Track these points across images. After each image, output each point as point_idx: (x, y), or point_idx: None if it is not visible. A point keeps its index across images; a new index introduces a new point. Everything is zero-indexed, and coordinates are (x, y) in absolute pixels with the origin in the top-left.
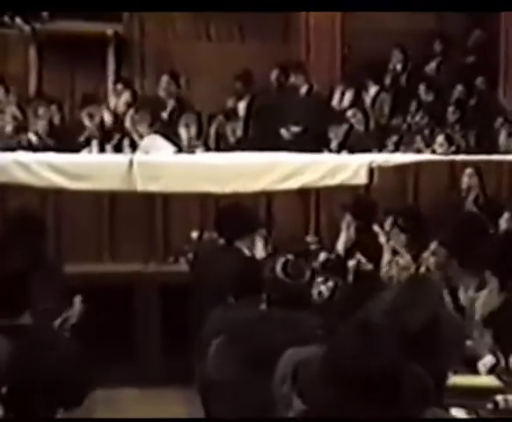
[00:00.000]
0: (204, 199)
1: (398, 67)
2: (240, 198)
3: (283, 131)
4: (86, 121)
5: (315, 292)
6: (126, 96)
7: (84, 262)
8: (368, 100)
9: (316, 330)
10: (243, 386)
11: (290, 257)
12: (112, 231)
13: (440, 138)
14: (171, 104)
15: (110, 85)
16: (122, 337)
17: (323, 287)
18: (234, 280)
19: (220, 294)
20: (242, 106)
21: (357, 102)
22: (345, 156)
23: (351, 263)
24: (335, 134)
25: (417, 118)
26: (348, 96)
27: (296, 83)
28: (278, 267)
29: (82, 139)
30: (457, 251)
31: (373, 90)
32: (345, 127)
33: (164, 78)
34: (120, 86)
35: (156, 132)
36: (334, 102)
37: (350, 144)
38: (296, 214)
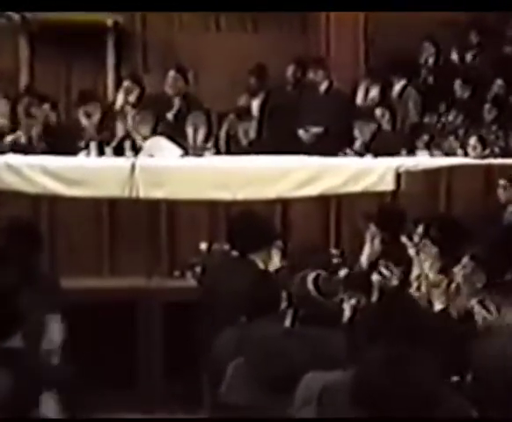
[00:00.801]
0: (214, 207)
1: (430, 61)
2: (254, 206)
3: (301, 132)
4: (83, 121)
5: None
6: (136, 93)
7: (82, 276)
8: (394, 97)
9: (343, 352)
10: (262, 409)
11: (322, 272)
12: (112, 242)
13: (472, 140)
14: (177, 102)
15: (110, 81)
16: (122, 358)
17: (345, 305)
18: (248, 296)
19: (232, 313)
20: (255, 105)
21: (383, 99)
22: (369, 160)
23: (375, 278)
24: (361, 132)
25: (450, 116)
26: (374, 93)
27: (316, 79)
28: (309, 282)
29: (79, 140)
30: (490, 267)
31: (399, 85)
32: (372, 126)
33: (171, 73)
34: (128, 83)
35: (160, 133)
36: (358, 100)
37: (376, 146)
38: (314, 223)
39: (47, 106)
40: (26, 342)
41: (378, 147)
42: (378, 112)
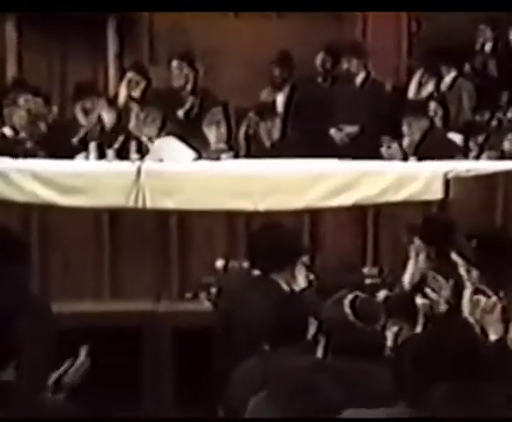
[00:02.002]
0: (232, 219)
1: (487, 47)
2: (278, 217)
3: (333, 131)
4: (81, 118)
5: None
6: (141, 87)
7: (79, 300)
8: (444, 90)
9: (387, 387)
10: None
11: (361, 294)
12: (113, 260)
13: None
14: (188, 97)
15: (111, 72)
16: (127, 392)
17: (387, 333)
18: (272, 322)
19: (253, 340)
20: (280, 100)
21: (432, 93)
22: (413, 164)
23: (421, 302)
24: (410, 129)
25: (510, 113)
26: (414, 85)
27: (350, 69)
28: (346, 306)
29: (76, 141)
30: None
31: (449, 77)
32: (424, 122)
33: (174, 63)
34: (132, 74)
35: (170, 133)
36: (410, 93)
37: (427, 146)
38: (348, 238)
39: (38, 101)
40: (19, 376)
41: (430, 147)
42: (432, 106)
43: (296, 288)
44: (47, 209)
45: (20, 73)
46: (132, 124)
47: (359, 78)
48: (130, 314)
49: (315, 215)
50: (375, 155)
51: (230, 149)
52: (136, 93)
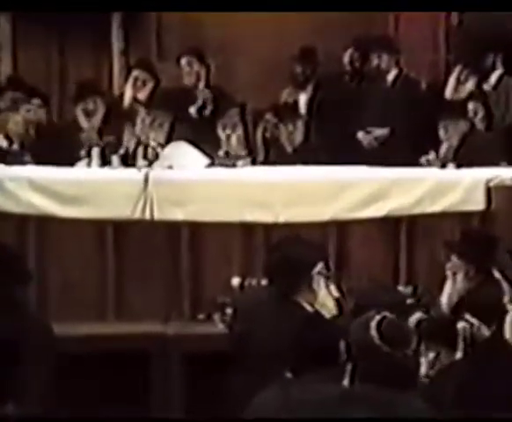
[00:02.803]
0: (249, 231)
1: None
2: (300, 230)
3: (361, 135)
4: (82, 121)
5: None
6: (148, 86)
7: (80, 321)
8: (487, 89)
9: (420, 417)
10: None
11: (389, 315)
12: (118, 278)
13: None
14: (201, 97)
15: (115, 70)
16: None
17: (421, 359)
18: (294, 346)
19: (273, 367)
20: (302, 100)
21: (473, 92)
22: (452, 171)
23: (460, 325)
24: (447, 132)
25: None
26: (451, 83)
27: (381, 66)
28: (373, 328)
29: (76, 146)
30: None
31: (495, 75)
32: (463, 125)
33: (184, 60)
34: (138, 73)
35: (180, 137)
36: (447, 93)
37: (467, 151)
38: (379, 253)
39: (35, 101)
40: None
41: (472, 153)
42: (471, 106)
43: (324, 310)
44: (46, 221)
45: (15, 71)
46: (138, 127)
47: (390, 76)
48: (137, 337)
49: (342, 228)
50: (408, 161)
51: (246, 155)
52: (143, 93)
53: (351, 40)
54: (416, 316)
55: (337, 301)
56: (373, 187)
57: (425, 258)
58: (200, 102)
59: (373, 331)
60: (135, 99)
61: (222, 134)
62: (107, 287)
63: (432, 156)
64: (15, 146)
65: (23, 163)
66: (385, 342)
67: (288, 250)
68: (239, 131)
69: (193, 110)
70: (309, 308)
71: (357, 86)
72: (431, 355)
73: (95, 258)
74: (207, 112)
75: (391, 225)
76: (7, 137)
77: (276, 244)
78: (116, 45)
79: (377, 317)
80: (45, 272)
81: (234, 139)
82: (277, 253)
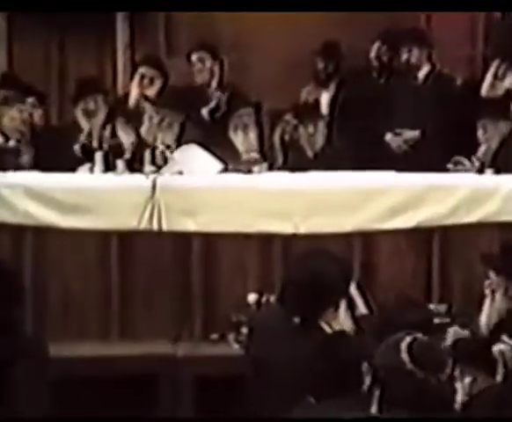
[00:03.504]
0: (266, 243)
1: None
2: (323, 242)
3: (390, 137)
4: (83, 122)
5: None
6: (156, 84)
7: (82, 341)
8: None
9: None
10: None
11: (420, 336)
12: (124, 293)
13: None
14: (215, 98)
15: (120, 67)
16: None
17: (457, 385)
18: (316, 369)
19: (293, 391)
20: (324, 99)
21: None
22: (490, 178)
23: (499, 348)
24: (485, 134)
25: None
26: (488, 79)
27: (412, 60)
28: (403, 350)
29: (77, 150)
30: None
31: None
32: (503, 126)
33: (195, 56)
34: (145, 69)
35: (191, 140)
36: (482, 91)
37: (507, 156)
38: (409, 267)
39: (32, 101)
40: None
41: (510, 158)
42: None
43: (348, 329)
44: (44, 232)
45: (11, 68)
46: (145, 129)
47: (422, 72)
48: (143, 359)
49: (367, 240)
50: (440, 166)
51: (263, 160)
52: (151, 92)
53: (378, 32)
54: (451, 338)
55: (361, 320)
56: (402, 195)
57: (460, 274)
58: (213, 103)
59: (403, 354)
60: (144, 96)
61: (233, 136)
62: (111, 304)
63: (468, 160)
64: (11, 142)
65: (20, 163)
66: (417, 366)
67: (312, 265)
68: (252, 133)
69: (205, 111)
70: (327, 328)
71: (385, 83)
72: (467, 380)
73: (98, 273)
74: (220, 113)
75: (422, 237)
76: (2, 134)
77: (297, 258)
78: (121, 39)
79: (408, 339)
80: (43, 288)
81: (247, 142)
82: (299, 269)
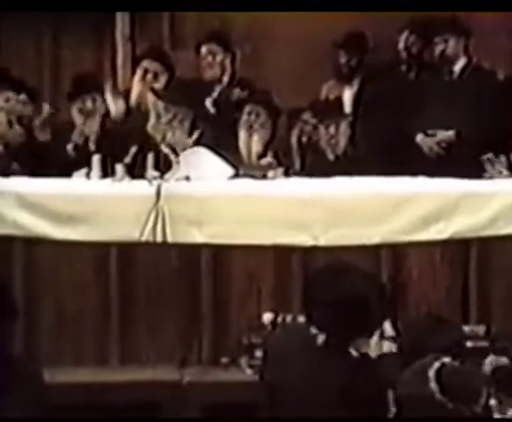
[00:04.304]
0: (283, 257)
1: None
2: (346, 256)
3: (421, 138)
4: (79, 122)
5: None
6: (161, 80)
7: (78, 366)
8: None
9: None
10: None
11: (451, 360)
12: (124, 313)
13: None
14: (224, 95)
15: (119, 60)
16: None
17: (496, 416)
18: (339, 398)
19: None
20: (348, 96)
21: None
22: None
23: None
24: None
25: None
26: None
27: (446, 53)
28: (431, 378)
29: (72, 152)
30: None
31: None
32: None
33: (204, 48)
34: (148, 63)
35: (199, 141)
36: None
37: None
38: (442, 284)
39: (23, 98)
40: None
41: None
42: None
43: (372, 353)
44: (36, 244)
45: None
46: (152, 127)
47: (457, 65)
48: (146, 385)
49: (396, 253)
50: (478, 171)
51: (278, 164)
52: (156, 88)
53: (408, 20)
54: (489, 363)
55: (388, 342)
56: (434, 203)
57: (500, 291)
58: (215, 93)
59: (432, 383)
60: (153, 91)
61: (244, 137)
62: (110, 325)
63: (502, 159)
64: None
65: (9, 170)
66: (447, 396)
67: (345, 282)
68: (265, 133)
69: (214, 109)
70: (354, 352)
71: (416, 78)
72: (510, 412)
73: (95, 289)
74: (230, 114)
75: (456, 250)
76: None
77: (322, 274)
78: (120, 29)
79: (436, 364)
80: (34, 307)
81: (261, 143)
82: (328, 286)
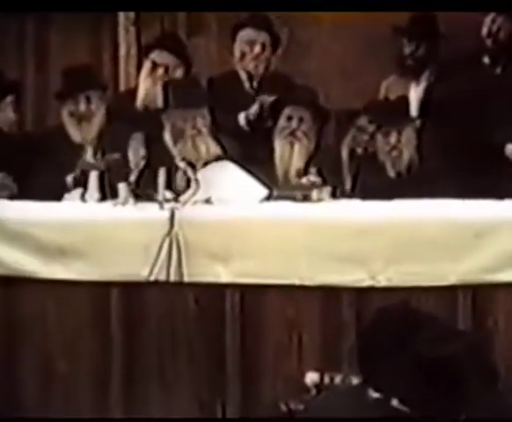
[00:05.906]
0: (330, 300)
1: None
2: (412, 298)
3: (511, 150)
4: (72, 130)
5: None
6: (176, 75)
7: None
8: None
9: None
10: None
11: None
12: (128, 367)
13: None
14: (259, 100)
15: (121, 54)
16: None
17: None
18: None
19: None
20: (414, 96)
21: None
22: None
23: None
24: None
25: None
26: None
27: None
28: None
29: (64, 169)
30: None
31: None
32: None
33: (242, 34)
34: (157, 56)
35: (225, 155)
36: None
37: None
38: None
39: (9, 99)
40: None
41: None
42: None
43: None
44: (19, 284)
45: None
46: (169, 138)
47: None
48: None
49: (478, 296)
50: None
51: (324, 183)
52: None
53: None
54: None
55: None
56: None
57: None
58: (255, 108)
59: None
60: (164, 89)
61: (280, 148)
62: (111, 382)
63: None
64: None
65: None
66: None
67: (407, 335)
68: (309, 143)
69: (242, 118)
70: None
71: (503, 73)
72: None
73: (93, 338)
74: (266, 119)
75: None
76: None
77: (392, 321)
78: (122, 14)
79: None
80: (16, 360)
81: (301, 157)
82: (394, 336)
